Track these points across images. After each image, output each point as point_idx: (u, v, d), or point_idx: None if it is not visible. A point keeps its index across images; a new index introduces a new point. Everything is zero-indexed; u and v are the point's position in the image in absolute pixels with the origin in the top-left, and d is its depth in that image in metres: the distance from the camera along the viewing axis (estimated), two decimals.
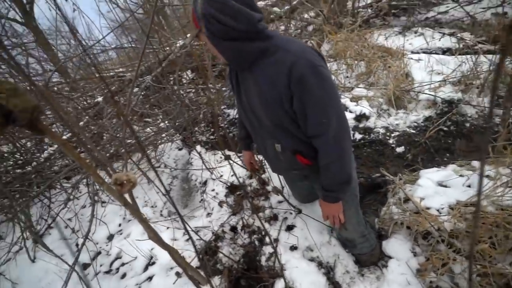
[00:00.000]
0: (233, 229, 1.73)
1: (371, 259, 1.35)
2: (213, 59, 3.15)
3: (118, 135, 2.41)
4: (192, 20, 0.86)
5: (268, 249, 1.52)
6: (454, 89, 2.17)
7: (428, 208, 1.28)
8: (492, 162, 1.42)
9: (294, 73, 0.82)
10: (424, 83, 2.26)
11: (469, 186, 1.32)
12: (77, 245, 2.05)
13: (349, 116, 2.31)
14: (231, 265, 1.52)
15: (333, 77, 2.63)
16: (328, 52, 2.98)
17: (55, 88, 2.92)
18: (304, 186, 1.50)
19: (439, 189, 1.38)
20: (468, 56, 2.28)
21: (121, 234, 2.01)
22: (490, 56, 2.20)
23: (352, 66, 2.71)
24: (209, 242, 1.64)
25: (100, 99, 2.75)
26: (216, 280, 1.43)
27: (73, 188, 2.40)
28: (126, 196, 0.85)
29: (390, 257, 1.33)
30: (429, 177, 1.48)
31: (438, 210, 1.27)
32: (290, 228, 1.59)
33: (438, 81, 2.22)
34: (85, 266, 1.83)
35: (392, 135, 2.12)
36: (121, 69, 3.82)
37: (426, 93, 2.15)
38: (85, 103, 2.74)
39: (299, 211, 1.64)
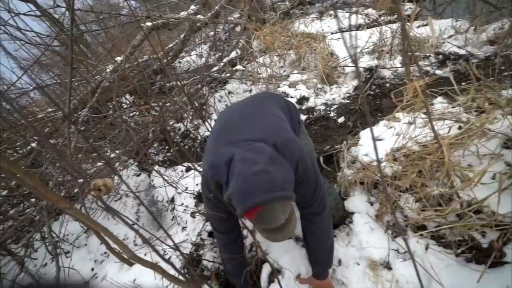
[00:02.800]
0: (211, 234, 1.75)
1: (338, 213, 1.49)
2: (149, 77, 3.09)
3: (64, 178, 2.24)
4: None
5: (248, 241, 1.58)
6: (370, 57, 2.49)
7: (371, 162, 1.48)
8: (409, 110, 1.68)
9: None
10: (346, 58, 2.54)
11: (397, 134, 1.55)
12: None
13: (292, 101, 2.49)
14: (217, 268, 1.55)
15: (268, 69, 2.79)
16: (258, 47, 3.14)
17: None
18: None
19: (377, 143, 1.59)
20: (374, 28, 2.63)
21: (96, 278, 1.89)
22: (390, 25, 2.57)
23: (284, 56, 2.91)
24: (191, 254, 1.64)
25: (33, 144, 2.51)
26: (206, 287, 1.44)
27: (25, 247, 2.16)
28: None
29: (353, 213, 1.49)
30: (367, 135, 1.69)
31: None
32: None
33: (358, 53, 2.52)
34: None
35: (331, 108, 2.35)
36: (49, 109, 3.51)
37: (350, 66, 2.42)
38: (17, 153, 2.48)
39: None
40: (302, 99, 2.53)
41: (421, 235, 1.25)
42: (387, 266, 1.24)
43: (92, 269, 1.95)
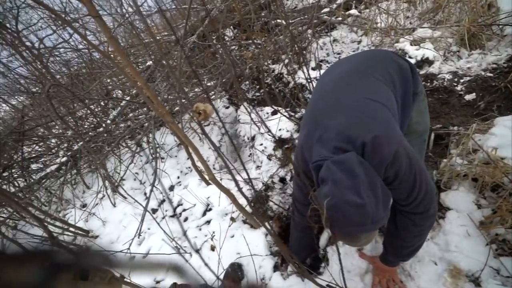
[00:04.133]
0: (282, 180, 1.79)
1: None
2: (255, 12, 3.00)
3: (170, 96, 2.57)
4: None
5: None
6: None
7: (502, 158, 1.14)
8: None
9: None
10: None
11: None
12: (145, 193, 2.37)
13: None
14: (281, 212, 1.62)
15: (390, 18, 2.31)
16: None
17: (112, 56, 3.16)
18: None
19: None
20: None
21: (180, 185, 2.25)
22: None
23: (415, 3, 2.33)
24: (260, 191, 1.74)
25: (150, 62, 2.90)
26: (267, 225, 1.54)
27: (137, 145, 2.70)
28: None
29: (448, 209, 1.25)
30: (506, 124, 1.29)
31: None
32: None
33: None
34: (154, 211, 2.13)
35: (461, 80, 1.85)
36: (165, 33, 3.91)
37: None
38: (138, 67, 2.92)
39: None
40: (424, 62, 2.06)
41: None
42: (475, 282, 1.04)
43: (178, 177, 2.31)
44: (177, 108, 2.35)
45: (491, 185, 1.18)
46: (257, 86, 2.87)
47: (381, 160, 0.76)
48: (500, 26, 1.86)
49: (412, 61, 2.05)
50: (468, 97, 1.77)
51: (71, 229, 2.10)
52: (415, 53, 2.07)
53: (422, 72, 2.04)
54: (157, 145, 2.56)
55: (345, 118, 0.83)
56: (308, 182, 0.84)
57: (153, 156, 1.89)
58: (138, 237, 1.68)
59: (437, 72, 1.97)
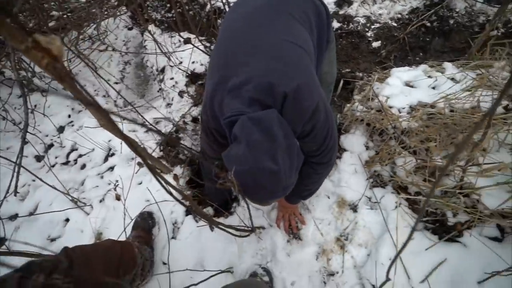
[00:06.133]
0: (195, 120, 1.67)
1: None
2: None
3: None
4: None
5: None
6: None
7: (390, 107, 1.30)
8: (461, 64, 1.39)
9: None
10: None
11: (434, 88, 1.32)
12: (23, 138, 1.87)
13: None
14: (193, 155, 1.54)
15: None
16: None
17: None
18: None
19: (405, 89, 1.37)
20: None
21: (72, 125, 1.85)
22: None
23: None
24: (170, 134, 1.59)
25: None
26: (178, 170, 1.46)
27: None
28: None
29: (345, 150, 1.43)
30: (398, 76, 1.44)
31: (399, 110, 1.30)
32: None
33: None
34: (39, 158, 1.74)
35: (372, 27, 1.93)
36: None
37: None
38: None
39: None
40: (344, 1, 2.03)
41: (398, 193, 1.25)
42: (354, 208, 1.28)
43: (69, 116, 1.89)
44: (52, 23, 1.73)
45: (379, 130, 1.37)
46: (168, 5, 2.36)
47: (301, 114, 0.71)
48: None
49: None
50: (375, 44, 1.88)
51: None
52: None
53: (341, 12, 2.03)
54: (30, 74, 1.94)
55: (262, 64, 0.72)
56: (220, 140, 0.75)
57: (23, 90, 1.42)
58: (15, 195, 1.36)
59: (354, 15, 1.99)
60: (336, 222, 1.26)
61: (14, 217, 1.46)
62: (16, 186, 1.24)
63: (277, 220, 1.27)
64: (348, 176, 1.34)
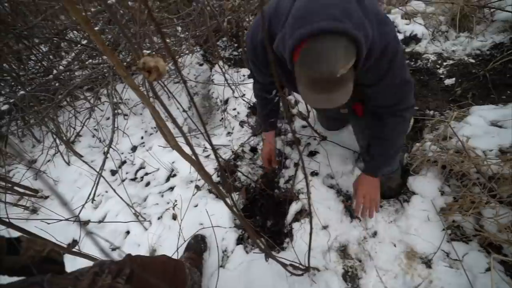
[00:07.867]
0: (253, 149, 1.71)
1: (388, 183, 1.30)
2: None
3: (134, 40, 2.23)
4: None
5: (287, 172, 1.51)
6: None
7: (473, 148, 1.15)
8: None
9: None
10: None
11: None
12: (104, 153, 2.16)
13: (398, 37, 1.96)
14: (249, 184, 1.56)
15: None
16: None
17: None
18: (333, 110, 1.36)
19: (491, 129, 1.21)
20: None
21: (143, 146, 2.07)
22: None
23: None
24: (229, 161, 1.65)
25: (112, 0, 2.46)
26: (234, 196, 1.48)
27: (95, 98, 2.39)
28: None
29: (414, 193, 1.28)
30: (481, 114, 1.28)
31: (484, 152, 1.13)
32: (312, 154, 1.54)
33: None
34: (113, 172, 1.96)
35: (444, 63, 1.81)
36: None
37: (507, 11, 1.70)
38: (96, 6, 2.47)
39: (323, 138, 1.55)
40: (411, 38, 1.98)
41: (487, 252, 1.04)
42: (427, 263, 1.09)
43: (142, 138, 2.12)
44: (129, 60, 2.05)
45: (458, 173, 1.20)
46: (236, 44, 2.61)
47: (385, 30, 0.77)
48: (491, 10, 1.80)
49: (401, 36, 1.95)
50: (448, 81, 1.74)
51: (16, 188, 1.87)
52: (404, 27, 1.97)
53: (408, 49, 1.96)
54: (119, 100, 2.30)
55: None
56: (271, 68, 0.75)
57: (112, 111, 1.67)
58: (92, 202, 1.53)
59: (423, 52, 1.90)
60: (405, 277, 1.08)
61: (86, 222, 1.62)
62: (94, 194, 1.40)
63: (357, 198, 1.15)
64: (418, 223, 1.18)
